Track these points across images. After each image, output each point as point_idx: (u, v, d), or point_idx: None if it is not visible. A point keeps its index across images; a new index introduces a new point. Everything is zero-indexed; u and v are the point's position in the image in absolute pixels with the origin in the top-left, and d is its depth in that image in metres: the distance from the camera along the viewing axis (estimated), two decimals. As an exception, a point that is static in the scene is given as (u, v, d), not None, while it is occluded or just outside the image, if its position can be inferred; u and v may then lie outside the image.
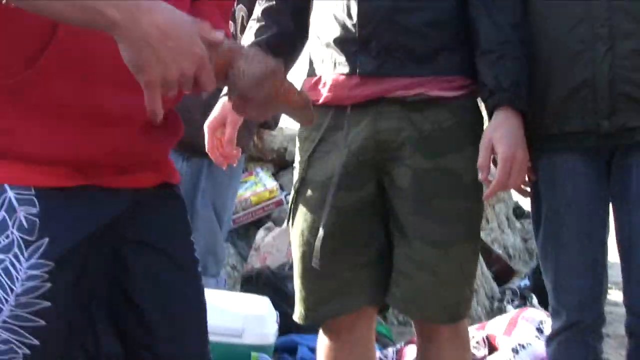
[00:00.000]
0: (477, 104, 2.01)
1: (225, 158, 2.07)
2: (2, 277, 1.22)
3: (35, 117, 1.23)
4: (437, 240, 1.92)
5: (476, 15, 1.92)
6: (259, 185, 4.80)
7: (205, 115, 2.09)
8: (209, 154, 2.08)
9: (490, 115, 1.91)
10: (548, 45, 1.98)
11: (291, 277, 2.14)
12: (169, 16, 1.11)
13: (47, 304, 1.24)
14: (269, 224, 4.66)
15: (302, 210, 2.02)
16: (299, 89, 1.29)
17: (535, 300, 4.55)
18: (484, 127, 1.98)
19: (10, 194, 1.23)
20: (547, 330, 2.62)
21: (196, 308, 1.47)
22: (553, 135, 2.00)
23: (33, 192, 1.24)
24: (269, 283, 3.80)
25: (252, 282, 3.89)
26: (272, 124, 3.49)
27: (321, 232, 1.95)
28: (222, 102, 2.05)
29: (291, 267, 2.20)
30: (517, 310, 3.60)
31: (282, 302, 3.40)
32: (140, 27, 1.07)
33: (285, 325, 3.18)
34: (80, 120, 1.25)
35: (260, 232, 4.48)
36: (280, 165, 5.37)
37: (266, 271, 3.93)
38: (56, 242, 1.24)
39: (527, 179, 2.03)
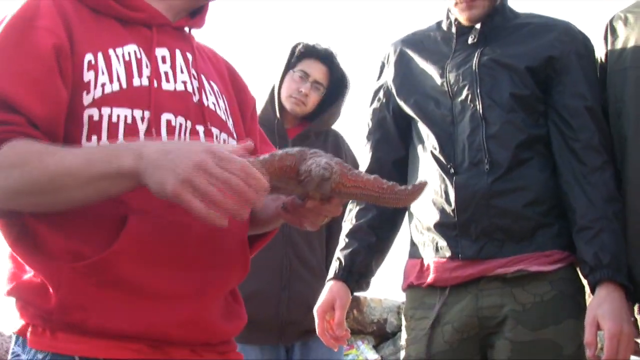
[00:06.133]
0: (577, 274, 2.02)
1: (335, 340, 2.15)
2: None
3: (108, 295, 1.28)
4: None
5: (569, 191, 1.97)
6: (361, 358, 4.82)
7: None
8: (320, 337, 2.16)
9: (592, 290, 1.92)
10: None
11: None
12: (162, 143, 1.28)
13: None
14: (373, 397, 4.64)
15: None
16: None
17: None
18: (585, 296, 2.00)
19: None
20: None
21: None
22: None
23: None
24: None
25: None
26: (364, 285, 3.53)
27: None
28: (330, 286, 2.16)
29: None
30: None
31: None
32: (146, 160, 1.19)
33: None
34: (150, 297, 1.31)
35: (365, 406, 4.47)
36: (380, 336, 5.37)
37: None
38: None
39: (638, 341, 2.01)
